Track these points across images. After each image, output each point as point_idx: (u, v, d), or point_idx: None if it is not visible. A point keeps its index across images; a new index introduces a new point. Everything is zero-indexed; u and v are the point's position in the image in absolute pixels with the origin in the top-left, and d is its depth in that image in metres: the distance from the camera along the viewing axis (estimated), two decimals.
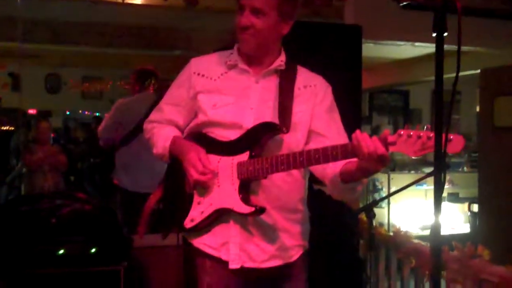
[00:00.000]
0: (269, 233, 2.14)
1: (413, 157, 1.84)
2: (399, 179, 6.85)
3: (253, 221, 2.10)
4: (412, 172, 7.32)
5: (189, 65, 2.27)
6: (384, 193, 7.15)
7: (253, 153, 2.04)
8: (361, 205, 4.15)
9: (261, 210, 2.02)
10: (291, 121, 2.09)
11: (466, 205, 6.97)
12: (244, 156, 2.05)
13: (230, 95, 2.15)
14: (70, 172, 7.36)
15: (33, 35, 6.10)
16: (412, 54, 6.81)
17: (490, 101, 6.15)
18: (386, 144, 1.81)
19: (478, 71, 6.45)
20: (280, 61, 2.19)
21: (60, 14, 5.87)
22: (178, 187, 2.20)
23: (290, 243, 2.19)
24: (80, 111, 11.26)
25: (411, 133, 1.78)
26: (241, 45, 2.16)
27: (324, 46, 3.87)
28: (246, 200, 2.04)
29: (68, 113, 11.38)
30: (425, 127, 1.80)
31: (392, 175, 7.06)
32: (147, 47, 7.20)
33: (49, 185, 5.75)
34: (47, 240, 3.04)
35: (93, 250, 3.06)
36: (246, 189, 2.06)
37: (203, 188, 2.11)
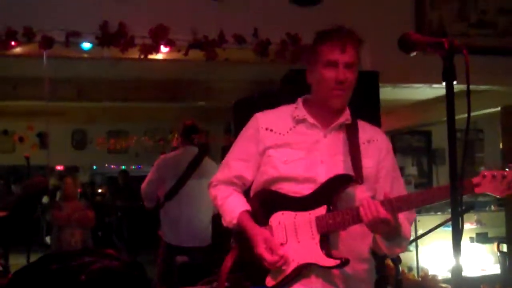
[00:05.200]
0: (352, 285, 2.12)
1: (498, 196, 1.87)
2: (426, 221, 6.72)
3: (335, 273, 2.08)
4: (439, 213, 7.18)
5: (255, 119, 2.26)
6: (411, 236, 7.03)
7: (331, 207, 2.05)
8: None
9: (346, 262, 2.02)
10: (363, 173, 2.10)
11: (495, 245, 6.83)
12: (322, 210, 2.06)
13: (300, 149, 2.14)
14: (98, 227, 7.42)
15: (59, 94, 6.27)
16: (431, 95, 6.82)
17: None
18: (472, 186, 1.84)
19: (499, 108, 6.44)
20: (347, 115, 2.19)
21: (85, 72, 6.04)
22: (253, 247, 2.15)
23: None
24: (106, 165, 11.43)
25: (495, 174, 1.82)
26: (333, 100, 2.13)
27: None
28: (329, 253, 2.04)
29: (94, 167, 11.55)
30: (508, 167, 1.84)
31: (418, 218, 6.93)
32: (170, 100, 7.35)
33: (76, 241, 5.75)
34: None
35: None
36: (326, 242, 2.06)
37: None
